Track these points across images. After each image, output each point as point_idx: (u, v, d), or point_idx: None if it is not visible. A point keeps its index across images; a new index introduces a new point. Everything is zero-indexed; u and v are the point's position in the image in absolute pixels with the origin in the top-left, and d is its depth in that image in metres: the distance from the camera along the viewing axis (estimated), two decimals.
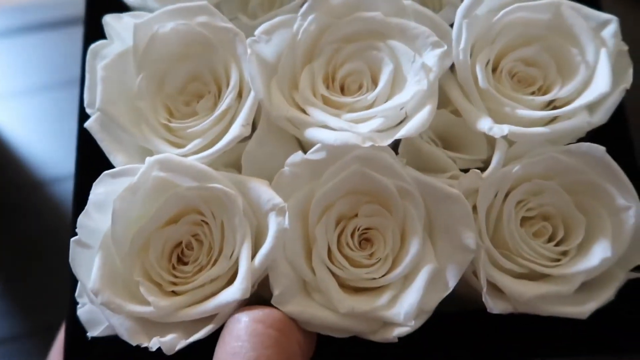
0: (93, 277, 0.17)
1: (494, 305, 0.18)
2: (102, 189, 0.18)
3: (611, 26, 0.19)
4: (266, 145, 0.19)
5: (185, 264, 0.18)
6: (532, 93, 0.19)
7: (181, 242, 0.19)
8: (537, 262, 0.18)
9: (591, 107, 0.19)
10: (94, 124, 0.20)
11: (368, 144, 0.17)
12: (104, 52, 0.20)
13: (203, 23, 0.19)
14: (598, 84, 0.18)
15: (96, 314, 0.19)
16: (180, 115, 0.20)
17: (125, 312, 0.17)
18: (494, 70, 0.20)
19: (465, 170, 0.18)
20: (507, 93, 0.19)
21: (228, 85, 0.19)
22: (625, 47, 0.19)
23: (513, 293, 0.17)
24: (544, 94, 0.19)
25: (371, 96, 0.18)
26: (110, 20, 0.20)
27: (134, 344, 0.17)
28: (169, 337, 0.17)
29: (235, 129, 0.18)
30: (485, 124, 0.18)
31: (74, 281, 0.19)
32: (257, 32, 0.19)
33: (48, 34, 0.65)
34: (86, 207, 0.18)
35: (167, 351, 0.17)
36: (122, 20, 0.20)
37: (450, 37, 0.19)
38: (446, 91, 0.19)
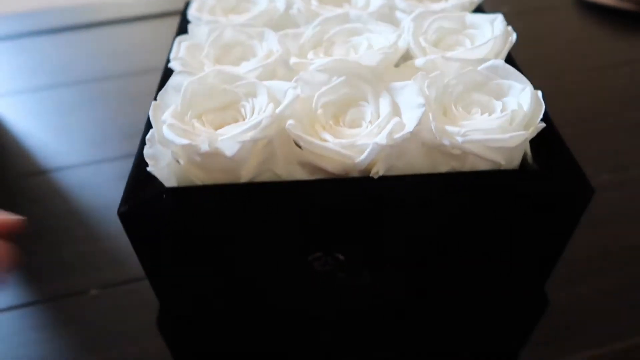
0: (165, 116, 0.25)
1: (442, 138, 0.25)
2: (179, 78, 0.27)
3: (498, 18, 0.31)
4: None
5: None
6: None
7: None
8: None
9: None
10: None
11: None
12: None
13: None
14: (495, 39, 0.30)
15: (156, 154, 0.26)
16: None
17: (181, 129, 0.24)
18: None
19: None
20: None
21: None
22: (509, 27, 0.31)
23: (453, 130, 0.25)
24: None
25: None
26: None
27: (184, 142, 0.24)
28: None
29: None
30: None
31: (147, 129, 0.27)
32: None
33: (51, 39, 0.76)
34: (165, 87, 0.27)
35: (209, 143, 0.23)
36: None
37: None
38: None
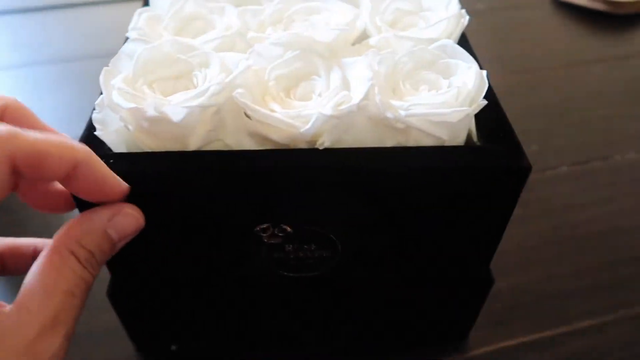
0: (116, 80, 0.25)
1: (386, 111, 0.25)
2: (133, 45, 0.28)
3: (453, 1, 0.31)
4: None
5: None
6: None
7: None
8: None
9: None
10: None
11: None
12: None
13: None
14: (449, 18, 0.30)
15: (105, 119, 0.26)
16: None
17: (129, 94, 0.25)
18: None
19: None
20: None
21: None
22: (463, 10, 0.31)
23: (397, 104, 0.25)
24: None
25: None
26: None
27: (131, 105, 0.24)
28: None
29: None
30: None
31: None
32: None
33: (26, 18, 0.77)
34: (118, 54, 0.27)
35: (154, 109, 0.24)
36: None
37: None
38: None
